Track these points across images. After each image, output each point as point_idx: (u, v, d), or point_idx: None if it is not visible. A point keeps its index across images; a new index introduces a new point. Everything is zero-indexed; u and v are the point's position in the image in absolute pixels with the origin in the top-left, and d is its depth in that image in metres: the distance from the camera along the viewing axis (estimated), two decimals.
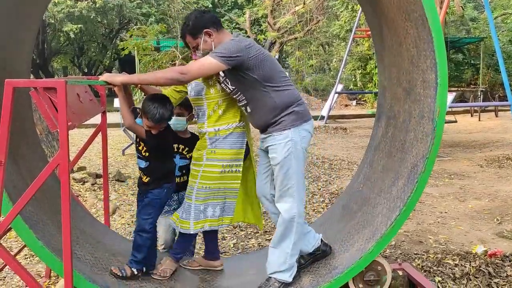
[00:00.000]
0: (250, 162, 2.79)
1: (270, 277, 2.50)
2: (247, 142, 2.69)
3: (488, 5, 9.05)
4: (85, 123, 2.67)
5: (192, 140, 2.88)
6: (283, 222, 2.48)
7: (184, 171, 2.87)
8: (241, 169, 2.66)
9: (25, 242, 2.14)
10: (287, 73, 2.77)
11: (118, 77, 2.25)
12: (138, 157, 2.60)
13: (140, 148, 2.56)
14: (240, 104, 2.54)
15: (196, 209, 2.62)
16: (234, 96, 2.52)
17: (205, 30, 2.43)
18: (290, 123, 2.42)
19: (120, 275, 2.46)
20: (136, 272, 2.53)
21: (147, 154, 2.55)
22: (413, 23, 2.42)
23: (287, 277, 2.50)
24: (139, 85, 2.56)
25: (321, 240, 2.72)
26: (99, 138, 3.15)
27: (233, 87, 2.46)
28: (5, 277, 3.37)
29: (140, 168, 2.60)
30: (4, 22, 2.29)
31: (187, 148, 2.89)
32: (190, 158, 2.78)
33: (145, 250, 2.54)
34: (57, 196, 2.80)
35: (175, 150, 2.87)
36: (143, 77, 2.31)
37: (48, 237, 2.24)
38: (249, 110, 2.50)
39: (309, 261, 2.70)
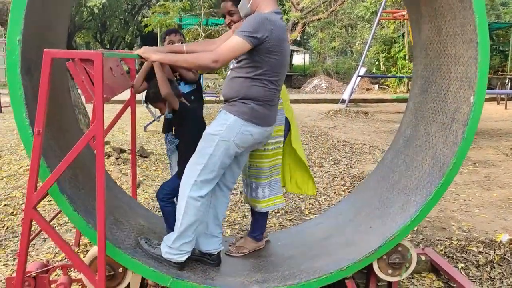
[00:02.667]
0: (294, 135, 2.92)
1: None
2: (286, 118, 2.76)
3: None
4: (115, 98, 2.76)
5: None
6: (179, 196, 2.41)
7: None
8: (282, 145, 2.76)
9: (61, 208, 2.21)
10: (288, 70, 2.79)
11: (152, 55, 2.26)
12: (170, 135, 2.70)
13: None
14: (229, 65, 2.51)
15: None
16: (234, 60, 2.45)
17: None
18: (238, 112, 2.33)
19: None
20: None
21: (176, 131, 2.63)
22: None
23: (164, 253, 2.42)
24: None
25: (220, 253, 2.66)
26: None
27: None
28: (34, 244, 3.50)
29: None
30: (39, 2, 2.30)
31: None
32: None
33: (171, 219, 2.60)
34: (91, 165, 2.88)
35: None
36: (175, 58, 2.29)
37: (83, 205, 2.31)
38: (228, 74, 2.48)
39: (195, 256, 2.62)
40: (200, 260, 2.63)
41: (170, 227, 2.59)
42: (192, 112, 2.76)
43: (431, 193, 2.41)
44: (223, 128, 2.33)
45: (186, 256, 2.47)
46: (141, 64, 3.10)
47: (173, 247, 2.43)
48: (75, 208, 2.19)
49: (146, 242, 2.50)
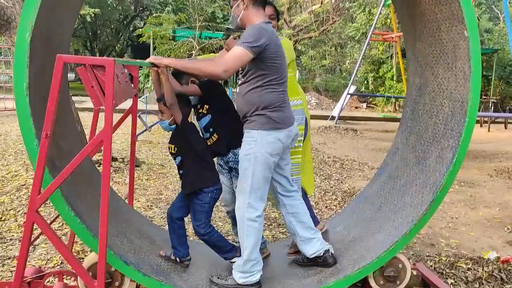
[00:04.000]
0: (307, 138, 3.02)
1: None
2: (306, 118, 2.86)
3: (508, 16, 9.03)
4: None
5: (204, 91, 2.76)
6: (237, 220, 2.50)
7: (211, 129, 2.75)
8: (302, 144, 2.86)
9: (61, 214, 2.21)
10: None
11: (163, 60, 2.33)
12: (171, 154, 2.70)
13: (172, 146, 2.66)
14: (239, 81, 2.55)
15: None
16: (240, 73, 2.53)
17: None
18: (258, 125, 2.41)
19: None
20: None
21: (176, 149, 2.63)
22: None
23: (238, 279, 2.49)
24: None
25: (328, 251, 2.69)
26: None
27: (242, 67, 2.46)
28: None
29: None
30: (50, 3, 2.34)
31: (200, 105, 2.80)
32: (212, 111, 2.73)
33: (220, 244, 2.67)
34: (90, 173, 2.88)
35: (194, 111, 2.83)
36: (186, 64, 2.36)
37: (83, 212, 2.31)
38: (238, 91, 2.56)
39: (308, 264, 2.73)
40: (314, 265, 2.68)
41: (224, 252, 2.69)
42: (194, 131, 2.68)
43: (461, 133, 2.41)
44: (252, 145, 2.40)
45: (260, 274, 2.52)
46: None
47: (245, 271, 2.48)
48: (76, 216, 2.19)
49: (218, 278, 2.54)
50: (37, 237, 2.89)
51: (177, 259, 2.68)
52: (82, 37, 26.27)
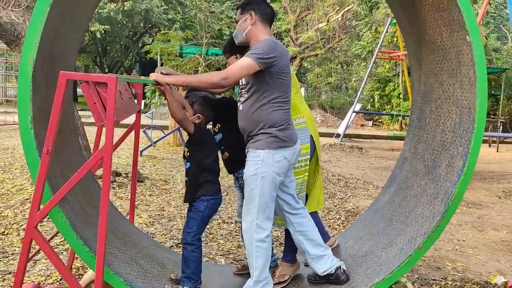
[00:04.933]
0: (315, 156, 2.93)
1: None
2: (311, 136, 2.81)
3: None
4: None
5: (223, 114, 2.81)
6: (245, 242, 2.47)
7: (222, 147, 2.84)
8: (308, 163, 2.79)
9: (61, 232, 2.19)
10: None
11: (165, 78, 2.34)
12: (184, 157, 2.72)
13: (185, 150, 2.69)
14: (239, 100, 2.54)
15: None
16: (241, 89, 2.53)
17: (251, 11, 2.45)
18: (264, 144, 2.39)
19: None
20: None
21: (188, 154, 2.64)
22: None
23: None
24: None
25: (340, 268, 2.64)
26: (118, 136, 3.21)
27: (247, 81, 2.46)
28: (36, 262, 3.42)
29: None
30: (57, 20, 2.38)
31: (213, 124, 2.88)
32: (224, 130, 2.81)
33: (192, 265, 2.53)
34: (89, 189, 2.87)
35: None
36: (188, 79, 2.38)
37: (82, 229, 2.29)
38: (240, 108, 2.51)
39: (321, 281, 2.68)
40: (327, 283, 2.63)
41: (193, 272, 2.53)
42: (207, 141, 2.69)
43: (471, 140, 2.37)
44: (259, 165, 2.38)
45: None
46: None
47: None
48: (75, 231, 2.17)
49: None
50: (36, 252, 2.87)
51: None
52: (92, 53, 26.67)
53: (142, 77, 2.63)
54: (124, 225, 2.87)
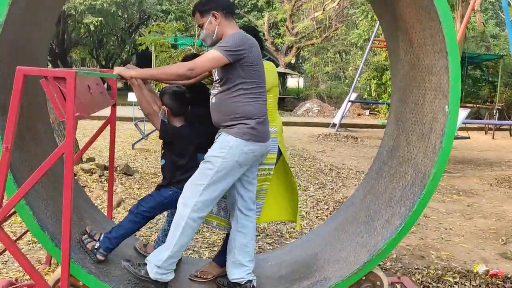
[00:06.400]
0: (284, 163, 3.00)
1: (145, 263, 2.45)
2: (279, 147, 2.85)
3: (509, 22, 8.92)
4: (99, 115, 2.72)
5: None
6: (176, 215, 2.38)
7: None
8: (272, 172, 2.82)
9: (27, 226, 2.17)
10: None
11: (130, 71, 2.30)
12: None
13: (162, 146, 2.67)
14: (212, 92, 2.50)
15: (224, 207, 2.78)
16: (215, 84, 2.48)
17: (213, 12, 2.42)
18: (239, 133, 2.36)
19: (84, 238, 2.46)
20: (99, 256, 2.42)
21: (162, 151, 2.61)
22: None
23: (154, 274, 2.37)
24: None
25: (251, 282, 2.56)
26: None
27: (220, 77, 2.43)
28: (7, 261, 3.42)
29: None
30: (24, 6, 2.32)
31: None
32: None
33: (120, 232, 2.48)
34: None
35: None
36: (153, 72, 2.35)
37: (50, 224, 2.28)
38: (213, 101, 2.47)
39: (227, 286, 2.63)
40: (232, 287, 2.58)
41: (116, 237, 2.47)
42: (181, 138, 2.63)
43: (414, 204, 2.40)
44: (225, 150, 2.34)
45: (172, 275, 2.45)
46: (125, 83, 3.09)
47: (163, 267, 2.39)
48: (41, 226, 2.16)
49: (130, 265, 2.45)
50: (3, 251, 2.85)
51: (97, 246, 2.46)
52: (88, 46, 26.54)
53: (104, 71, 2.59)
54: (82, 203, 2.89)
